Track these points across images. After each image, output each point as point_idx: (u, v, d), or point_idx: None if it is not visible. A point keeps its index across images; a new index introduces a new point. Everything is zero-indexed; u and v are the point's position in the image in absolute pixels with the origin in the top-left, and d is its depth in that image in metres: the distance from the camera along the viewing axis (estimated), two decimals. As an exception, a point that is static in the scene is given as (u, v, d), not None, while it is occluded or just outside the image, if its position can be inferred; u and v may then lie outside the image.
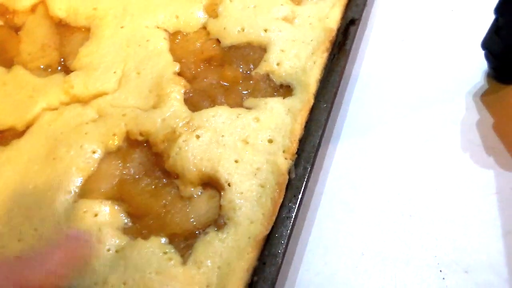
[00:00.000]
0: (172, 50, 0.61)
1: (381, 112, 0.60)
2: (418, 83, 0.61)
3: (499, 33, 0.55)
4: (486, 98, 0.60)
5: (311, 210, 0.55)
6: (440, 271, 0.51)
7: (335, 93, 0.56)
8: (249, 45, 0.60)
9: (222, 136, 0.54)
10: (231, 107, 0.56)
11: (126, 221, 0.51)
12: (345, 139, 0.59)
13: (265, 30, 0.60)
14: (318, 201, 0.55)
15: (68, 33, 0.64)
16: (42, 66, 0.62)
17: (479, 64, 0.61)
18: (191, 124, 0.54)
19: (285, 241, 0.49)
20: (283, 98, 0.56)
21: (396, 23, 0.66)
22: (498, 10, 0.54)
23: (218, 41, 0.61)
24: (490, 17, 0.55)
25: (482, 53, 0.60)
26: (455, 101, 0.60)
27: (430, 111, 0.59)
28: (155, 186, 0.53)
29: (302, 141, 0.54)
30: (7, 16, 0.66)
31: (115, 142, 0.55)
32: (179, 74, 0.59)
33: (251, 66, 0.59)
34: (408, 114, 0.59)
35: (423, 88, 0.61)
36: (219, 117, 0.55)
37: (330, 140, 0.58)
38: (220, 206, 0.51)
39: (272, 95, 0.57)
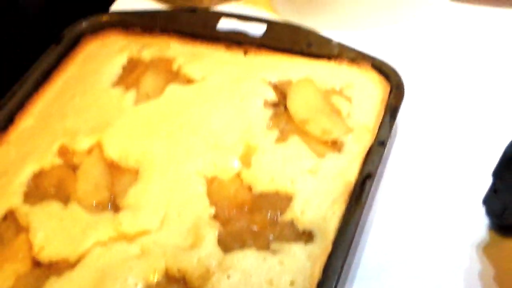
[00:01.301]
0: (208, 194, 0.69)
1: (390, 258, 0.67)
2: (424, 234, 0.68)
3: (497, 195, 0.63)
4: (488, 249, 0.66)
5: None
6: None
7: (351, 242, 0.63)
8: (277, 194, 0.68)
9: (250, 276, 0.61)
10: (259, 250, 0.63)
11: None
12: (359, 282, 0.65)
13: (292, 181, 0.69)
14: None
15: (119, 174, 0.73)
16: (94, 203, 0.70)
17: (482, 217, 0.68)
18: (223, 264, 0.62)
19: None
20: (305, 244, 0.63)
21: (407, 177, 0.74)
22: (496, 174, 0.62)
23: (250, 188, 0.69)
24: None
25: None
26: (458, 252, 0.66)
27: (435, 261, 0.66)
28: (189, 321, 0.60)
29: (320, 284, 0.60)
30: (68, 156, 0.75)
31: (155, 277, 0.62)
32: (214, 217, 0.67)
33: (278, 213, 0.67)
34: (413, 263, 0.66)
35: (429, 239, 0.68)
36: (248, 259, 0.62)
37: (345, 283, 0.65)
38: None
39: (295, 241, 0.64)
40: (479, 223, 0.68)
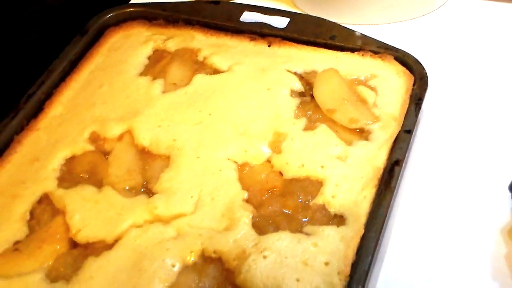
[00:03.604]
0: (240, 179, 0.71)
1: (418, 242, 0.69)
2: (450, 218, 0.70)
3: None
4: (513, 233, 0.69)
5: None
6: None
7: (382, 225, 0.65)
8: (308, 179, 0.70)
9: (286, 257, 0.62)
10: (293, 233, 0.65)
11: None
12: (389, 263, 0.67)
13: (322, 167, 0.70)
14: (368, 319, 0.63)
15: (150, 160, 0.74)
16: (127, 188, 0.71)
17: (507, 202, 0.70)
18: (259, 246, 0.63)
19: None
20: (337, 227, 0.65)
21: (432, 164, 0.76)
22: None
23: (280, 173, 0.71)
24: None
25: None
26: (484, 235, 0.68)
27: (462, 245, 0.68)
28: (227, 300, 0.61)
29: (354, 265, 0.62)
30: (99, 143, 0.76)
31: (192, 258, 0.64)
32: (247, 201, 0.68)
33: (309, 197, 0.68)
34: (440, 246, 0.68)
35: (455, 222, 0.70)
36: (282, 241, 0.64)
37: (377, 263, 0.67)
38: (283, 321, 0.59)
39: (327, 224, 0.66)
40: (504, 207, 0.70)
